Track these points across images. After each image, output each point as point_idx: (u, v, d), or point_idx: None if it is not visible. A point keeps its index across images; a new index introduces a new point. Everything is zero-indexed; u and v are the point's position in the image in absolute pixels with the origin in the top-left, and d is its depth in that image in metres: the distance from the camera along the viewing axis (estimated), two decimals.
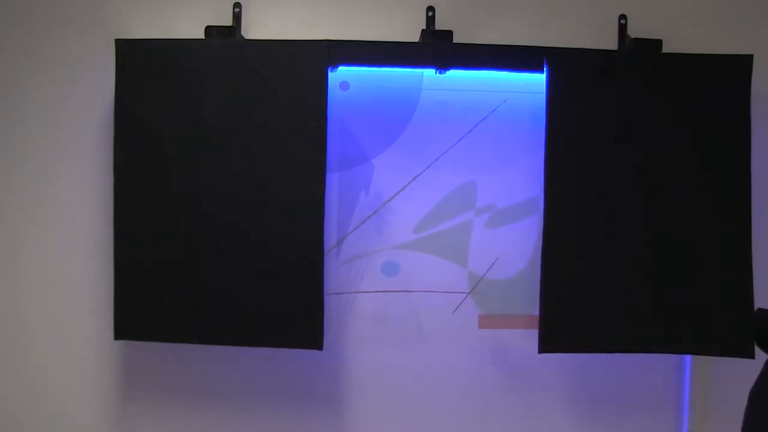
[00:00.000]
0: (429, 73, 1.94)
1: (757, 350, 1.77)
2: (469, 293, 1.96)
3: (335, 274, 1.95)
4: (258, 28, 1.98)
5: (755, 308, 1.81)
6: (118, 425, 1.99)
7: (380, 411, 2.00)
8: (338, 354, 1.99)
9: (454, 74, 1.92)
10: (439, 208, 1.97)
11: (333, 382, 2.00)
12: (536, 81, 1.89)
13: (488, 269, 1.96)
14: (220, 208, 1.81)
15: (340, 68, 1.88)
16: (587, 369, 2.01)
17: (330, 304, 1.92)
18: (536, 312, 1.86)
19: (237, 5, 1.96)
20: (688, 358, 2.01)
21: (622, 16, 2.00)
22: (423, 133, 1.96)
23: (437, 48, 1.89)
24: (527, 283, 1.95)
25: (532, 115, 1.96)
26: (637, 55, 1.90)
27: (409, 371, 2.00)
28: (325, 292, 1.82)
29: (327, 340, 1.84)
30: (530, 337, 1.91)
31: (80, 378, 1.98)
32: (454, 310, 1.97)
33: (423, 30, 1.93)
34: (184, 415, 1.99)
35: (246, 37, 1.95)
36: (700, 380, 2.01)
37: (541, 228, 1.84)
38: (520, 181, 1.97)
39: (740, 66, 1.85)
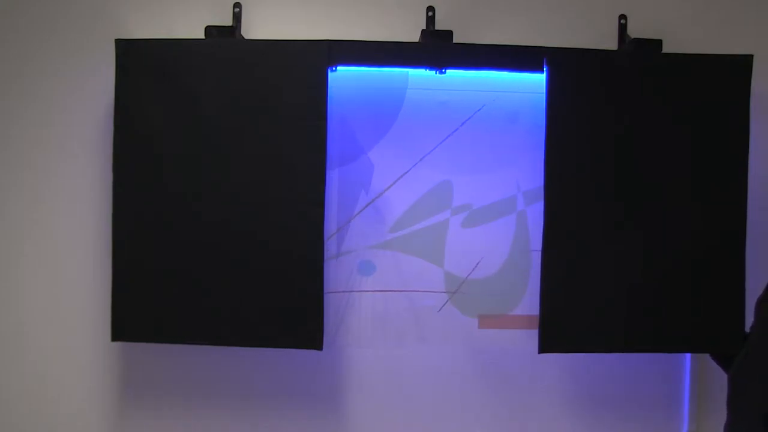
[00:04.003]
0: (415, 72, 1.92)
1: None
2: (455, 292, 1.96)
3: (335, 273, 1.95)
4: (258, 28, 1.98)
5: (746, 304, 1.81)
6: (117, 426, 1.99)
7: (380, 411, 2.00)
8: (338, 354, 1.99)
9: (452, 73, 1.91)
10: (415, 208, 1.96)
11: (333, 382, 2.00)
12: (534, 81, 1.89)
13: (473, 269, 1.96)
14: (220, 208, 1.81)
15: (340, 68, 1.88)
16: (587, 369, 2.01)
17: (330, 304, 1.92)
18: (535, 312, 1.86)
19: (237, 5, 1.96)
20: (688, 358, 2.01)
21: (622, 16, 2.00)
22: (410, 131, 1.95)
23: (437, 48, 1.89)
24: (505, 283, 1.95)
25: (510, 115, 1.95)
26: (637, 55, 1.90)
27: (409, 371, 2.00)
28: (325, 291, 1.82)
29: (327, 340, 1.84)
30: (530, 337, 1.91)
31: (79, 378, 1.98)
32: (440, 309, 1.97)
33: (423, 30, 1.93)
34: (183, 416, 1.99)
35: (246, 37, 1.95)
36: (700, 380, 2.01)
37: (516, 228, 1.85)
38: (496, 181, 1.96)
39: (740, 66, 1.85)
